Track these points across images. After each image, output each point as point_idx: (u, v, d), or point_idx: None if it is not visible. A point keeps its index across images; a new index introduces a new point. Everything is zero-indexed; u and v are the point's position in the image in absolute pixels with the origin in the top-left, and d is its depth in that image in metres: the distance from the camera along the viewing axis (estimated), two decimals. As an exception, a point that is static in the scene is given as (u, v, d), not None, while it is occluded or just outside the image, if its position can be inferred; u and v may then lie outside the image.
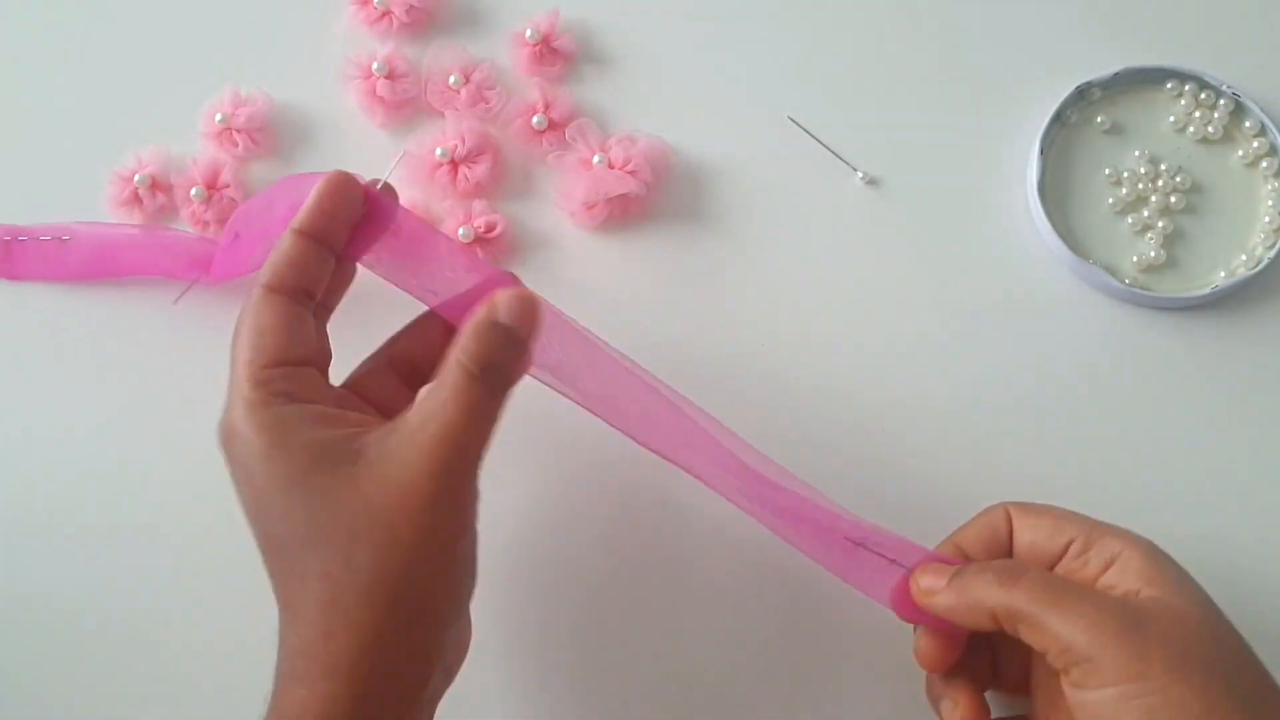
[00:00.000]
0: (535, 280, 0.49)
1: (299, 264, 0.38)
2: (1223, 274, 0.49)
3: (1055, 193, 0.50)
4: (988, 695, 0.40)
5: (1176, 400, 0.48)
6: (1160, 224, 0.50)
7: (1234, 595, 0.37)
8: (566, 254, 0.50)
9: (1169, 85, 0.51)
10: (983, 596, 0.36)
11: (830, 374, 0.48)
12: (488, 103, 0.50)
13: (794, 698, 0.45)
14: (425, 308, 0.41)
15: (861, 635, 0.45)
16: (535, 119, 0.50)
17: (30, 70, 0.52)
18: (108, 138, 0.50)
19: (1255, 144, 0.51)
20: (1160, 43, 0.52)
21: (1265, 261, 0.49)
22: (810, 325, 0.49)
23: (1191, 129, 0.51)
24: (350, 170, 0.39)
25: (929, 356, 0.48)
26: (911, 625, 0.41)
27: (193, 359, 0.48)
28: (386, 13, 0.51)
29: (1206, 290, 0.49)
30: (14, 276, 0.49)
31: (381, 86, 0.50)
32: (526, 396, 0.38)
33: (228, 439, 0.36)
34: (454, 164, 0.49)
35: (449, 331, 0.38)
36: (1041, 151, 0.50)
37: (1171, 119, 0.51)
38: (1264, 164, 0.51)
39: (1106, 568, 0.37)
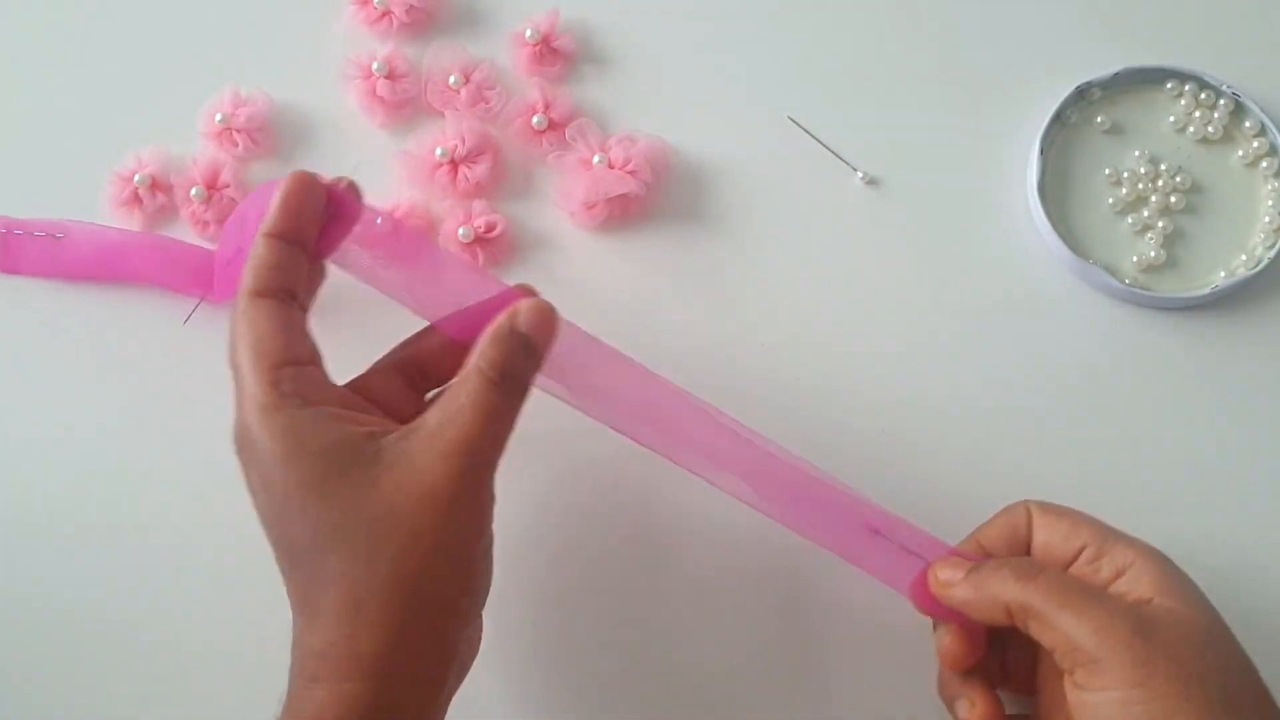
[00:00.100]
0: (535, 280, 0.49)
1: (277, 266, 0.38)
2: (1223, 274, 0.49)
3: (1055, 193, 0.50)
4: None
5: (1176, 400, 0.48)
6: (1160, 224, 0.50)
7: (1233, 594, 0.38)
8: (566, 254, 0.50)
9: (1169, 85, 0.51)
10: (999, 591, 0.37)
11: (830, 374, 0.48)
12: (488, 103, 0.50)
13: (795, 697, 0.45)
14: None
15: (863, 635, 0.45)
16: (535, 119, 0.50)
17: (30, 70, 0.52)
18: (108, 138, 0.50)
19: (1255, 144, 0.51)
20: (1160, 43, 0.52)
21: (1265, 261, 0.49)
22: (810, 325, 0.49)
23: (1191, 129, 0.51)
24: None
25: (929, 357, 0.48)
26: (921, 626, 0.41)
27: (191, 359, 0.48)
28: (386, 13, 0.51)
29: (1206, 290, 0.49)
30: (10, 270, 0.49)
31: (381, 86, 0.50)
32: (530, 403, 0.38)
33: (244, 445, 0.36)
34: (454, 164, 0.49)
35: (460, 338, 0.39)
36: (1041, 151, 0.50)
37: (1171, 119, 0.51)
38: (1264, 164, 0.51)
39: (1117, 576, 0.37)
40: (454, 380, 0.38)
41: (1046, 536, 0.39)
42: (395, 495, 0.35)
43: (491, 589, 0.39)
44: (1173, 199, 0.50)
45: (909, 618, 0.41)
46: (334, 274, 0.42)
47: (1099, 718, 0.34)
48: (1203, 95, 0.51)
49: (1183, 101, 0.51)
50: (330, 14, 0.52)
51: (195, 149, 0.50)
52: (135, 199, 0.49)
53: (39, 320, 0.49)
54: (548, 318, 0.38)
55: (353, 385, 0.40)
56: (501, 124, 0.51)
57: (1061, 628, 0.35)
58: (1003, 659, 0.41)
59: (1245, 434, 0.48)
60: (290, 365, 0.37)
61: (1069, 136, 0.51)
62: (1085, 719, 0.35)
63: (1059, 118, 0.50)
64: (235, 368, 0.37)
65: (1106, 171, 0.50)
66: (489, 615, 0.39)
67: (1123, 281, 0.49)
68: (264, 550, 0.37)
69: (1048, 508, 0.40)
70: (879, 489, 0.41)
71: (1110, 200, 0.50)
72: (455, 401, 0.36)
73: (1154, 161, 0.51)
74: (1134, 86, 0.51)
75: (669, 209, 0.50)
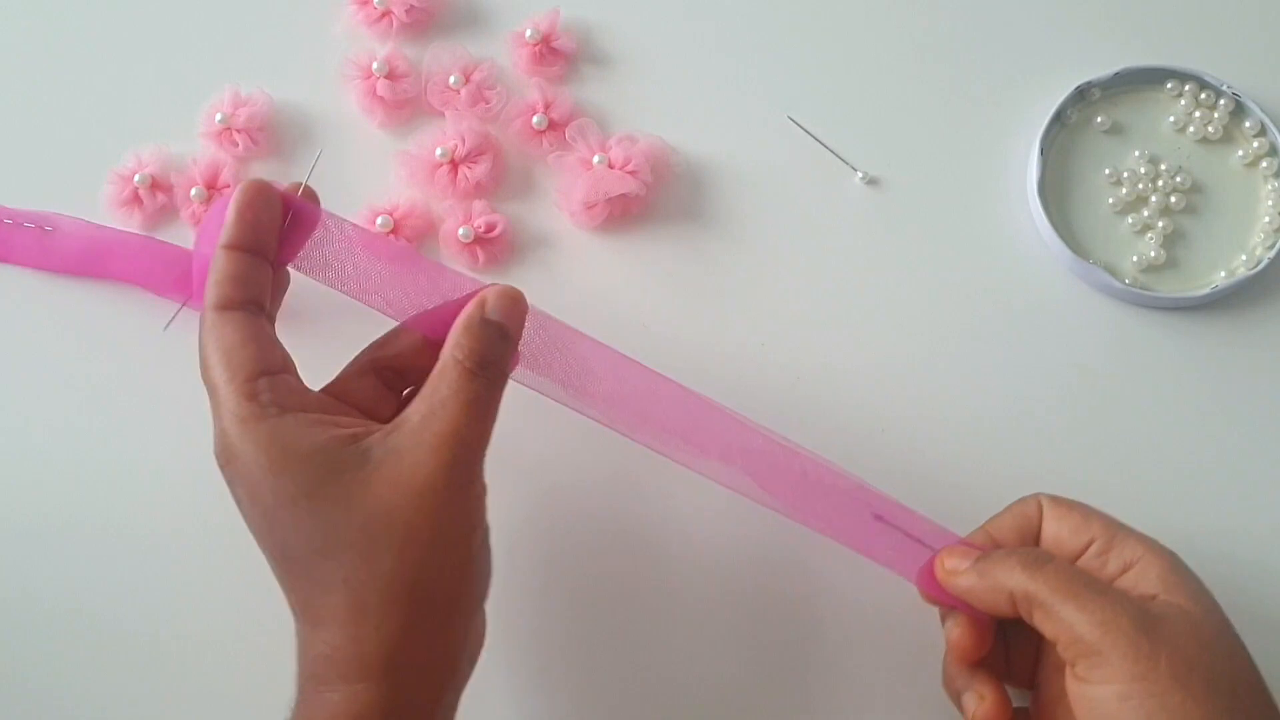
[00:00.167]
0: (535, 280, 0.49)
1: (238, 278, 0.38)
2: (1223, 274, 0.49)
3: (1055, 193, 0.50)
4: None
5: (1176, 400, 0.48)
6: (1160, 224, 0.50)
7: (1233, 593, 0.38)
8: (566, 254, 0.50)
9: (1169, 85, 0.51)
10: (1005, 579, 0.37)
11: (830, 373, 0.48)
12: (488, 103, 0.50)
13: (796, 697, 0.45)
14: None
15: (866, 629, 0.45)
16: (535, 119, 0.50)
17: (31, 70, 0.52)
18: (108, 138, 0.50)
19: (1255, 144, 0.51)
20: (1160, 43, 0.52)
21: (1265, 261, 0.49)
22: (810, 324, 0.49)
23: (1191, 129, 0.51)
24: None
25: (928, 356, 0.48)
26: (926, 622, 0.41)
27: (171, 361, 0.47)
28: (386, 13, 0.51)
29: (1206, 290, 0.49)
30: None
31: (381, 86, 0.50)
32: (526, 403, 0.38)
33: (227, 459, 0.36)
34: (454, 164, 0.49)
35: (432, 335, 0.39)
36: (1041, 151, 0.50)
37: (1171, 119, 0.51)
38: (1264, 164, 0.51)
39: (1124, 570, 0.37)
40: (431, 375, 0.38)
41: (1056, 529, 0.39)
42: (388, 494, 0.35)
43: (491, 585, 0.39)
44: (1173, 199, 0.50)
45: (915, 613, 0.41)
46: (297, 280, 0.42)
47: (1099, 711, 0.35)
48: (1203, 95, 0.51)
49: (1183, 101, 0.51)
50: (330, 14, 0.52)
51: (195, 149, 0.50)
52: (135, 199, 0.49)
53: (22, 311, 0.49)
54: (515, 302, 0.39)
55: (329, 390, 0.40)
56: (501, 124, 0.51)
57: (1065, 619, 0.35)
58: (1006, 652, 0.41)
59: (1245, 434, 0.48)
60: (264, 375, 0.37)
61: (1069, 136, 0.51)
62: (1085, 712, 0.35)
63: (1059, 118, 0.50)
64: (209, 383, 0.37)
65: (1106, 171, 0.50)
66: (490, 612, 0.39)
67: (1123, 281, 0.49)
68: (243, 549, 0.37)
69: (1059, 501, 0.40)
70: (876, 486, 0.41)
71: (1110, 200, 0.50)
72: (437, 394, 0.37)
73: (1154, 161, 0.51)
74: (1134, 86, 0.51)
75: (669, 209, 0.50)
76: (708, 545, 0.46)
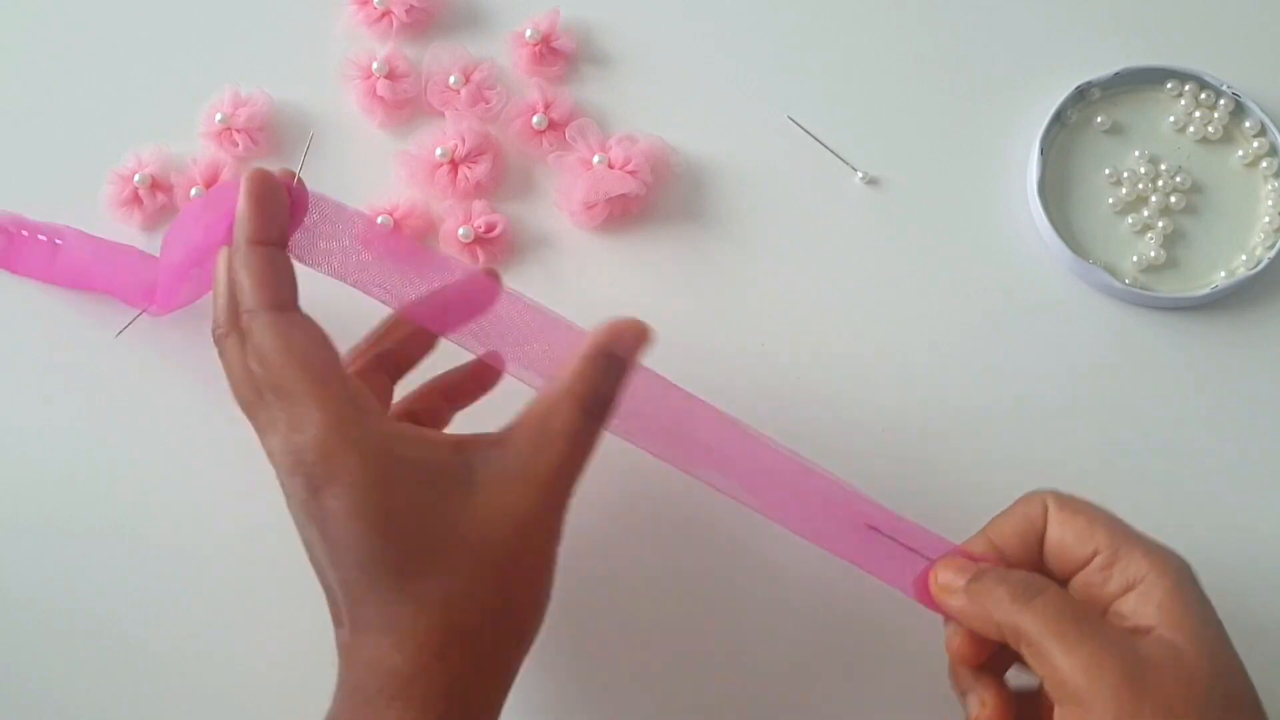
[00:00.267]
0: (535, 280, 0.49)
1: (283, 274, 0.37)
2: (1223, 274, 0.49)
3: (1055, 193, 0.50)
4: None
5: (1176, 400, 0.48)
6: (1160, 224, 0.50)
7: (1232, 594, 0.37)
8: (566, 254, 0.50)
9: (1169, 85, 0.51)
10: (993, 609, 0.36)
11: (829, 373, 0.48)
12: (488, 103, 0.50)
13: (797, 696, 0.45)
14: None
15: (867, 634, 0.45)
16: (535, 119, 0.50)
17: (30, 70, 0.52)
18: (108, 138, 0.50)
19: (1255, 144, 0.51)
20: (1160, 43, 0.52)
21: (1265, 261, 0.49)
22: (809, 325, 0.49)
23: (1191, 129, 0.51)
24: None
25: (928, 356, 0.48)
26: (930, 618, 0.40)
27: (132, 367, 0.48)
28: (386, 13, 0.51)
29: (1206, 290, 0.49)
30: (9, 268, 0.49)
31: (381, 86, 0.50)
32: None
33: (325, 469, 0.34)
34: (454, 164, 0.49)
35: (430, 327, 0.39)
36: (1041, 151, 0.50)
37: (1171, 119, 0.51)
38: (1264, 164, 0.51)
39: (1126, 590, 0.35)
40: (542, 397, 0.37)
41: (1060, 535, 0.37)
42: (492, 519, 0.35)
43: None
44: (1173, 199, 0.50)
45: (918, 613, 0.41)
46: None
47: None
48: (1203, 95, 0.51)
49: (1183, 101, 0.51)
50: (330, 14, 0.52)
51: (195, 149, 0.50)
52: (135, 199, 0.49)
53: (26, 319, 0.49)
54: (643, 337, 0.37)
55: None
56: (501, 124, 0.51)
57: (1052, 661, 0.34)
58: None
59: (1245, 434, 0.48)
60: (349, 379, 0.36)
61: (1069, 136, 0.51)
62: None
63: (1059, 118, 0.50)
64: (282, 391, 0.35)
65: (1106, 171, 0.50)
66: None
67: (1123, 281, 0.49)
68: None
69: (1065, 503, 0.38)
70: (876, 489, 0.41)
71: (1110, 200, 0.50)
72: (550, 424, 0.36)
73: (1154, 161, 0.51)
74: (1134, 86, 0.51)
75: (669, 209, 0.50)
76: (708, 544, 0.46)
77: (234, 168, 0.50)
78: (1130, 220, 0.50)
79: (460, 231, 0.48)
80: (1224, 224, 0.50)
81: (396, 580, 0.34)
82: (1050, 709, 0.36)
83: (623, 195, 0.49)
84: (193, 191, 0.49)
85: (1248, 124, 0.51)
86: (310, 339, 0.36)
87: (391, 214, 0.48)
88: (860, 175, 0.51)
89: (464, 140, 0.49)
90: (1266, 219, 0.50)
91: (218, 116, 0.50)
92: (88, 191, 0.49)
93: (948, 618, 0.39)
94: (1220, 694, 0.33)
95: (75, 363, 0.48)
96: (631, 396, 0.38)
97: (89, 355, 0.48)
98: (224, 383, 0.37)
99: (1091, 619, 0.34)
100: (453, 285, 0.39)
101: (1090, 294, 0.49)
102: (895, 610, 0.41)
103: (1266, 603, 0.46)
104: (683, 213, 0.50)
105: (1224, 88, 0.51)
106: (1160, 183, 0.50)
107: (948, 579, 0.38)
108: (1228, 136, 0.51)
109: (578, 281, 0.49)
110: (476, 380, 0.44)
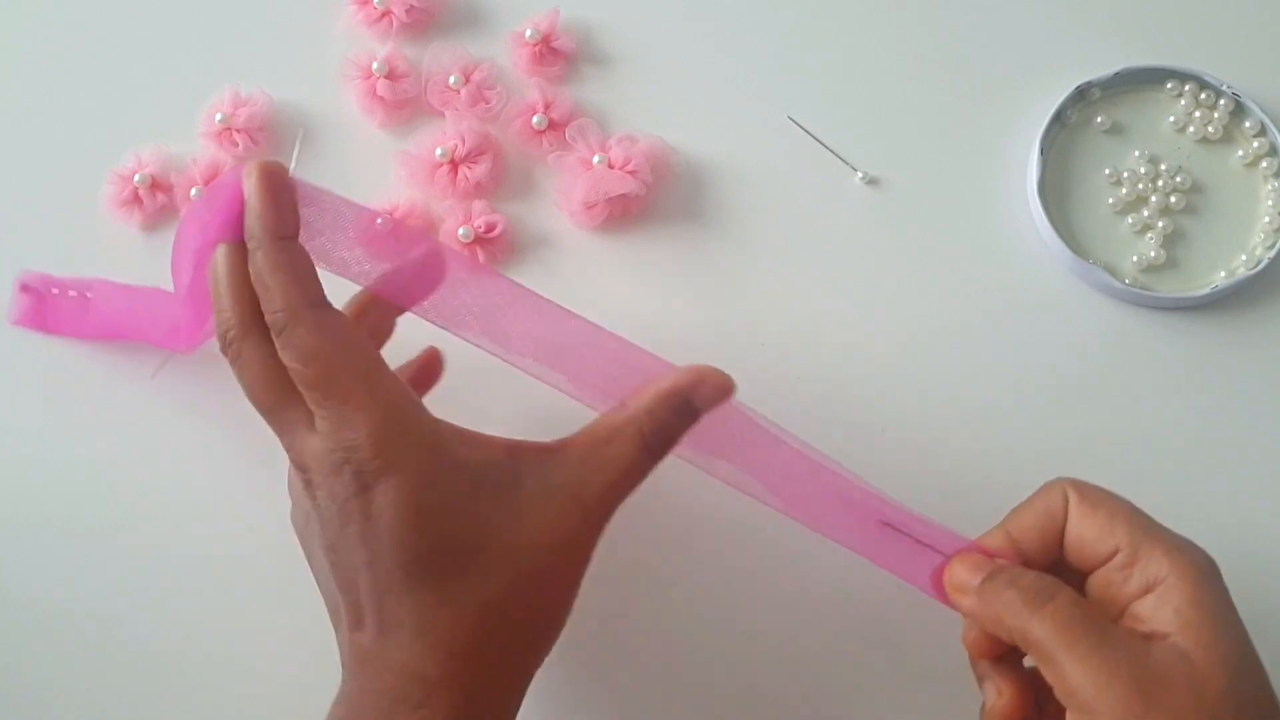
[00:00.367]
0: (535, 280, 0.49)
1: (311, 267, 0.36)
2: (1223, 274, 0.49)
3: (1055, 193, 0.50)
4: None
5: (1176, 400, 0.48)
6: (1160, 224, 0.50)
7: (1234, 593, 0.37)
8: (566, 254, 0.50)
9: (1169, 85, 0.51)
10: (1004, 614, 0.35)
11: (830, 373, 0.48)
12: (488, 103, 0.50)
13: (798, 696, 0.45)
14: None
15: (868, 633, 0.45)
16: (535, 119, 0.50)
17: (30, 70, 0.52)
18: (108, 138, 0.50)
19: (1255, 144, 0.51)
20: (1160, 43, 0.52)
21: (1265, 261, 0.49)
22: (810, 325, 0.49)
23: (1191, 129, 0.51)
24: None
25: (928, 356, 0.48)
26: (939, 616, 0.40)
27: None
28: (386, 13, 0.51)
29: (1206, 290, 0.49)
30: (43, 329, 0.48)
31: (381, 86, 0.50)
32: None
33: (379, 465, 0.34)
34: (454, 164, 0.49)
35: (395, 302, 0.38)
36: (1041, 151, 0.50)
37: (1171, 119, 0.51)
38: (1264, 164, 0.51)
39: (1146, 591, 0.34)
40: (605, 420, 0.37)
41: (1080, 531, 0.36)
42: (534, 529, 0.35)
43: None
44: (1173, 199, 0.50)
45: (929, 607, 0.41)
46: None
47: None
48: (1203, 95, 0.51)
49: (1183, 101, 0.51)
50: (330, 14, 0.52)
51: (195, 149, 0.50)
52: (135, 199, 0.49)
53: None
54: (725, 395, 0.37)
55: None
56: (501, 124, 0.51)
57: (1062, 669, 0.33)
58: None
59: (1245, 433, 0.48)
60: (395, 375, 0.36)
61: (1069, 136, 0.51)
62: None
63: (1059, 118, 0.50)
64: (332, 389, 0.34)
65: (1106, 171, 0.50)
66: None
67: (1123, 281, 0.49)
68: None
69: (1086, 494, 0.37)
70: (881, 488, 0.41)
71: (1110, 200, 0.50)
72: (607, 449, 0.36)
73: (1154, 161, 0.51)
74: (1134, 86, 0.51)
75: (669, 209, 0.50)
76: (707, 543, 0.46)
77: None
78: (1130, 220, 0.50)
79: (460, 231, 0.48)
80: (1224, 224, 0.50)
81: (438, 581, 0.34)
82: None
83: (623, 195, 0.49)
84: (193, 191, 0.49)
85: (1248, 124, 0.51)
86: (352, 334, 0.35)
87: (391, 214, 0.48)
88: (860, 175, 0.51)
89: (464, 140, 0.49)
90: (1266, 219, 0.50)
91: (218, 116, 0.50)
92: (88, 191, 0.49)
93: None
94: (1234, 703, 0.32)
95: (76, 366, 0.48)
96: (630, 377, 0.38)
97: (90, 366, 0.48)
98: (223, 387, 0.36)
99: (1103, 627, 0.34)
100: (413, 260, 0.38)
101: (1090, 294, 0.49)
102: (912, 606, 0.41)
103: (1266, 602, 0.46)
104: (683, 213, 0.50)
105: (1224, 88, 0.51)
106: (1160, 183, 0.50)
107: (961, 578, 0.37)
108: (1228, 136, 0.51)
109: (578, 281, 0.49)
110: (426, 373, 0.44)
